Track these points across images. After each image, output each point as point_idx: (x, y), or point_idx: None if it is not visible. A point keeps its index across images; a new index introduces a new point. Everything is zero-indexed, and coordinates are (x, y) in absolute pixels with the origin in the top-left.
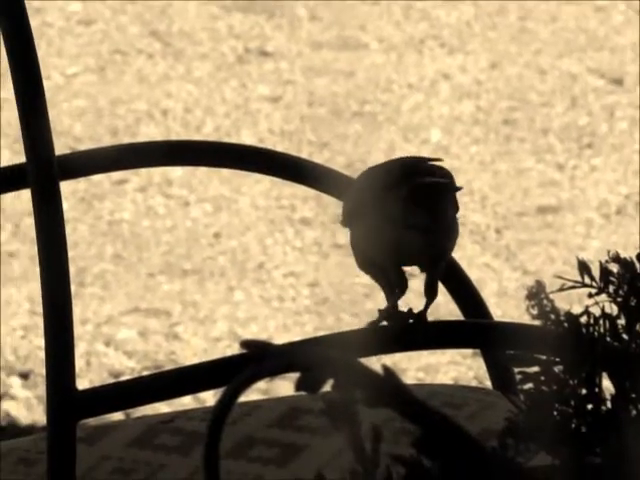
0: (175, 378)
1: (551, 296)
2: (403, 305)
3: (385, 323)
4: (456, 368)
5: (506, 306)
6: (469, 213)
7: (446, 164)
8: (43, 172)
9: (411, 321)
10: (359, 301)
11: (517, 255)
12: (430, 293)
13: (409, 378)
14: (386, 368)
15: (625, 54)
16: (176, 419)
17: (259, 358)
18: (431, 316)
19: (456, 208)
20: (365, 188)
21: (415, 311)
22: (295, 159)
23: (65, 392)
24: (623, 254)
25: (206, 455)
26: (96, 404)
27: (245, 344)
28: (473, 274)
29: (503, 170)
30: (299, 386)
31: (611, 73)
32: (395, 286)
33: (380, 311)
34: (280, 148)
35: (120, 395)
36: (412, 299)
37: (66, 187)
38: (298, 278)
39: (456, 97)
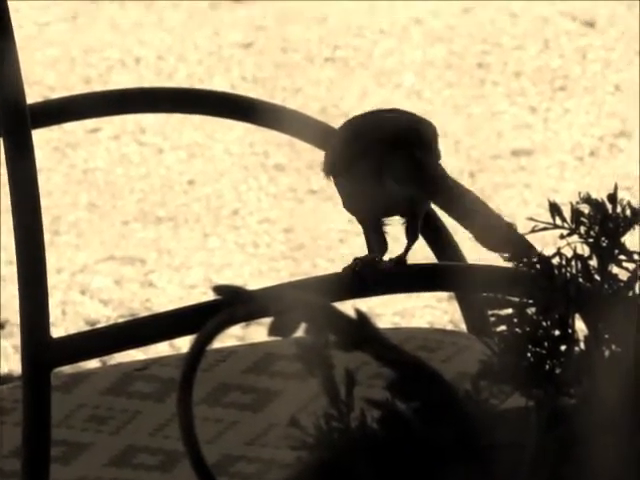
0: (149, 325)
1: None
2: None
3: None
4: (431, 312)
5: (481, 250)
6: (443, 157)
7: (419, 108)
8: (14, 120)
9: (385, 265)
10: (334, 246)
11: (492, 198)
12: (411, 237)
13: (385, 322)
14: (359, 312)
15: None
16: (151, 366)
17: (231, 303)
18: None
19: (438, 156)
20: (349, 142)
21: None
22: (269, 105)
23: (39, 340)
24: (596, 196)
25: (180, 401)
26: (70, 352)
27: (217, 290)
28: (448, 219)
29: (477, 113)
30: (272, 330)
31: (583, 15)
32: (374, 248)
33: (355, 258)
34: (253, 94)
35: (94, 342)
36: (390, 244)
37: (40, 136)
38: (273, 224)
39: (429, 42)
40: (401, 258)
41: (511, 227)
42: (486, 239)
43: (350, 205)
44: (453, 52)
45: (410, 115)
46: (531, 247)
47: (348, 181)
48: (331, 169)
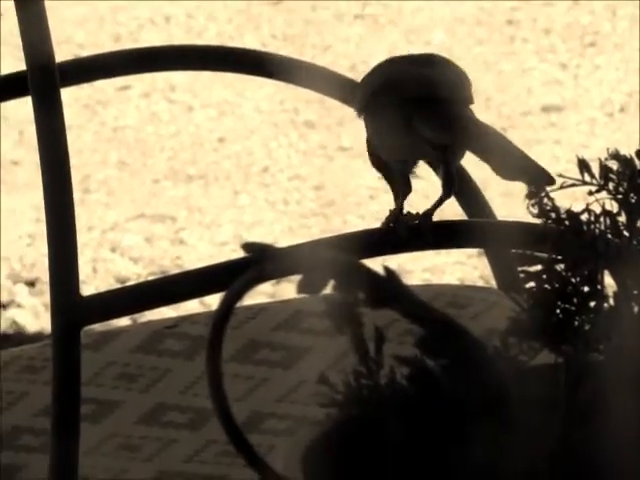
0: (179, 282)
1: (555, 195)
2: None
3: (391, 225)
4: (461, 268)
5: (512, 206)
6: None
7: None
8: (42, 78)
9: (417, 222)
10: (364, 203)
11: None
12: (445, 190)
13: (415, 279)
14: (387, 269)
15: None
16: (180, 324)
17: (260, 261)
18: (436, 217)
19: (471, 101)
20: (384, 85)
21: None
22: (297, 62)
23: (69, 298)
24: (625, 152)
25: (208, 359)
26: (100, 310)
27: (247, 247)
28: (478, 175)
29: (507, 70)
30: (300, 288)
31: None
32: (399, 189)
33: (389, 212)
34: (283, 52)
35: (123, 300)
36: (418, 201)
37: (69, 94)
38: (303, 181)
39: None
40: (427, 215)
41: (529, 159)
42: (505, 170)
43: (377, 144)
44: (482, 9)
45: (443, 64)
46: (549, 177)
47: (376, 121)
48: (362, 106)
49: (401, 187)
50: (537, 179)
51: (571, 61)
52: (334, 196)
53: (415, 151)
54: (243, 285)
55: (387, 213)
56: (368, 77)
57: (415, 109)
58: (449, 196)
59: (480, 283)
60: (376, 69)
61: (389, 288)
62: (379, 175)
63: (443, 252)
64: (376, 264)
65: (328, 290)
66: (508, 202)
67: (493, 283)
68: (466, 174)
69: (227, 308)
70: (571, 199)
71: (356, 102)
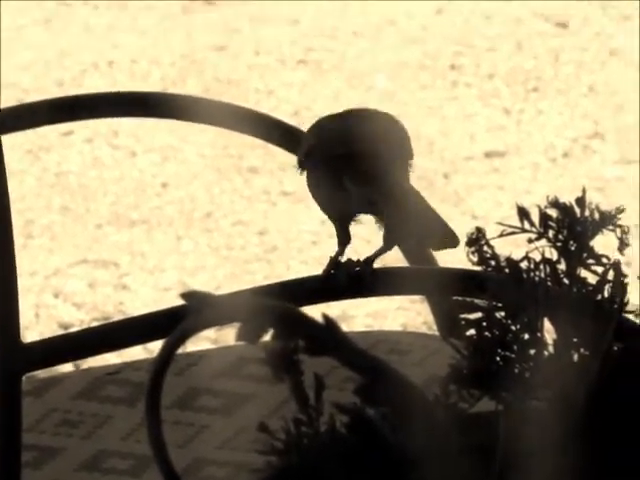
0: (121, 329)
1: (497, 242)
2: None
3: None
4: (405, 314)
5: (455, 252)
6: (417, 159)
7: (392, 110)
8: None
9: (357, 269)
10: (307, 248)
11: (465, 200)
12: (384, 241)
13: (357, 325)
14: (326, 317)
15: None
16: (122, 370)
17: (200, 309)
18: (377, 263)
19: (410, 156)
20: (317, 143)
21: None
22: (240, 109)
23: (10, 345)
24: (569, 198)
25: (148, 406)
26: (41, 357)
27: (185, 295)
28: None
29: (450, 115)
30: (239, 336)
31: (556, 16)
32: (338, 238)
33: (330, 259)
34: (226, 97)
35: (65, 347)
36: (361, 246)
37: (13, 139)
38: (246, 226)
39: (402, 43)
40: (368, 262)
41: (448, 229)
42: (428, 241)
43: (314, 198)
44: (426, 53)
45: (379, 118)
46: (456, 241)
47: (311, 177)
48: (300, 161)
49: (340, 237)
50: (444, 243)
51: (514, 106)
52: (277, 242)
53: (349, 206)
54: (182, 333)
55: (328, 259)
56: (307, 133)
57: (345, 166)
58: (389, 248)
59: (423, 329)
60: (315, 125)
61: (328, 336)
62: (322, 220)
63: (386, 298)
64: (318, 310)
65: (267, 338)
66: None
67: (436, 329)
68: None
69: (166, 355)
70: (513, 246)
71: (297, 156)
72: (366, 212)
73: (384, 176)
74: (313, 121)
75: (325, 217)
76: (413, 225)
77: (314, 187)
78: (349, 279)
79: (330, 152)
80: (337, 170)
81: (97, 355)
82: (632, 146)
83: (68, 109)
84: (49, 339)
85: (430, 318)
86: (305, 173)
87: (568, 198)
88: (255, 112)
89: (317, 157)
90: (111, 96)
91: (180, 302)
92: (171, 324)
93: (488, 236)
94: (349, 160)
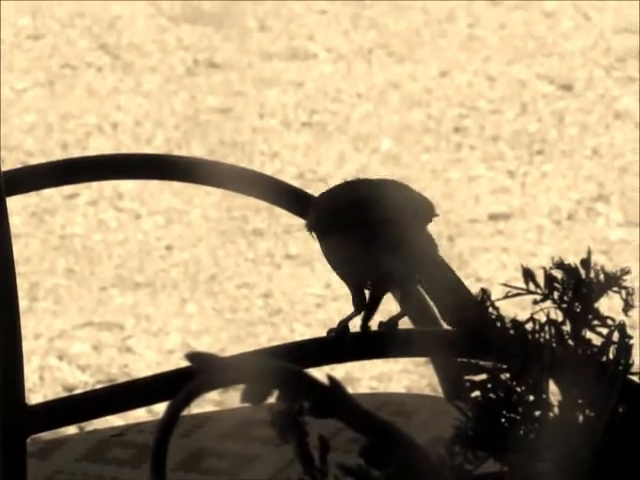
0: (125, 391)
1: (502, 303)
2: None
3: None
4: (409, 376)
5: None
6: None
7: (397, 173)
8: None
9: (360, 331)
10: (312, 311)
11: (469, 262)
12: (402, 305)
13: (362, 387)
14: (331, 378)
15: (574, 59)
16: (127, 432)
17: (205, 371)
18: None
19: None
20: (344, 206)
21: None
22: (246, 172)
23: (15, 407)
24: (574, 260)
25: (152, 469)
26: (46, 419)
27: (190, 357)
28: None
29: (454, 178)
30: (244, 398)
31: (560, 79)
32: (354, 303)
33: (340, 321)
34: (231, 159)
35: (70, 409)
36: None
37: (17, 202)
38: (251, 289)
39: (406, 106)
40: (390, 323)
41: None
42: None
43: (332, 265)
44: (430, 116)
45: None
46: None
47: (336, 243)
48: (315, 225)
49: (356, 302)
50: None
51: (519, 169)
52: (282, 304)
53: (374, 273)
54: (187, 395)
55: (335, 321)
56: (324, 198)
57: (371, 233)
58: (402, 315)
59: (427, 391)
60: (333, 190)
61: (333, 397)
62: (327, 283)
63: (391, 360)
64: (323, 372)
65: (272, 399)
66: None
67: (440, 391)
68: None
69: (171, 418)
70: (518, 307)
71: (310, 220)
72: (388, 282)
73: (414, 247)
74: (318, 183)
75: (329, 281)
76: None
77: (335, 251)
78: (354, 341)
79: (358, 220)
80: (366, 238)
81: (101, 417)
82: (636, 208)
83: (72, 171)
84: (53, 401)
85: (434, 380)
86: (317, 237)
87: (573, 260)
88: (260, 174)
89: (342, 222)
90: (119, 158)
91: (185, 364)
92: (176, 386)
93: (493, 298)
94: (380, 229)
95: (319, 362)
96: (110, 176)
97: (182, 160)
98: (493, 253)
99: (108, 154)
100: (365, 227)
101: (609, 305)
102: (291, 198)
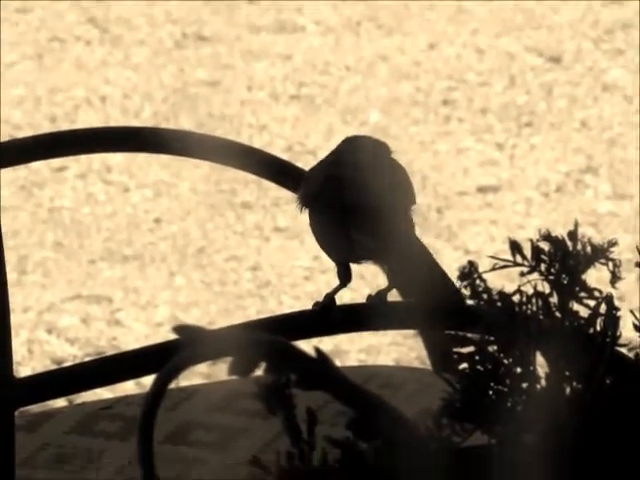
0: (113, 364)
1: (490, 275)
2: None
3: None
4: (397, 349)
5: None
6: None
7: None
8: None
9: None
10: (300, 284)
11: (458, 235)
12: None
13: (351, 360)
14: (318, 350)
15: (562, 32)
16: (115, 405)
17: (192, 343)
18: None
19: (414, 201)
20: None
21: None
22: (234, 144)
23: (2, 380)
24: (562, 232)
25: (140, 442)
26: (34, 392)
27: (177, 330)
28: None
29: (443, 150)
30: (231, 370)
31: (549, 51)
32: (339, 277)
33: (326, 294)
34: (220, 132)
35: (58, 382)
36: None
37: (6, 175)
38: (239, 262)
39: (394, 78)
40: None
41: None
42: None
43: (318, 241)
44: (419, 89)
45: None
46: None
47: (317, 222)
48: (304, 203)
49: (341, 276)
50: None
51: (507, 141)
52: (270, 277)
53: (353, 253)
54: (173, 368)
55: (323, 294)
56: (312, 175)
57: (352, 216)
58: (395, 286)
59: (416, 364)
60: (320, 165)
61: (320, 370)
62: (316, 255)
63: (379, 333)
64: (311, 344)
65: (260, 372)
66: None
67: (429, 364)
68: None
69: (158, 391)
70: (506, 280)
71: (298, 195)
72: (369, 260)
73: (390, 229)
74: (306, 156)
75: (318, 253)
76: (416, 282)
77: (318, 229)
78: (342, 314)
79: (337, 201)
80: (344, 219)
81: (90, 390)
82: (625, 181)
83: (59, 144)
84: (42, 374)
85: (423, 353)
86: (306, 212)
87: (561, 232)
88: (248, 147)
89: (323, 202)
90: (103, 131)
91: (172, 337)
92: (163, 359)
93: (481, 270)
94: (356, 211)
95: (306, 335)
96: (99, 149)
97: (169, 132)
98: (482, 225)
99: (92, 127)
100: (343, 208)
101: (597, 277)
102: (279, 171)
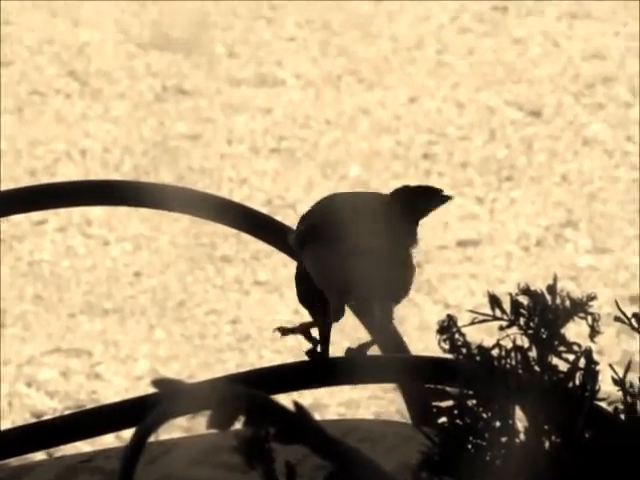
0: (92, 417)
1: (471, 329)
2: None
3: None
4: (377, 402)
5: (428, 340)
6: None
7: None
8: None
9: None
10: (280, 338)
11: (438, 289)
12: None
13: (330, 414)
14: (297, 404)
15: (543, 86)
16: (95, 458)
17: (171, 397)
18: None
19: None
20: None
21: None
22: (214, 198)
23: None
24: (542, 286)
25: None
26: (14, 444)
27: (156, 383)
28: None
29: None
30: (210, 424)
31: (529, 105)
32: (334, 314)
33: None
34: (200, 185)
35: (37, 435)
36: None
37: None
38: (219, 315)
39: (375, 132)
40: (360, 350)
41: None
42: None
43: (321, 274)
44: (399, 142)
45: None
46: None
47: (321, 254)
48: (306, 237)
49: (336, 311)
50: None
51: (487, 195)
52: (250, 330)
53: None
54: (152, 422)
55: (303, 348)
56: (313, 211)
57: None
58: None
59: (396, 417)
60: (322, 203)
61: (299, 424)
62: (295, 309)
63: (359, 387)
64: (290, 399)
65: (239, 426)
66: (424, 335)
67: (409, 417)
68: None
69: (137, 444)
70: (486, 334)
71: (297, 234)
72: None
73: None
74: (286, 209)
75: (298, 307)
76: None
77: (321, 261)
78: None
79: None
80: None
81: (69, 443)
82: (605, 235)
83: (37, 198)
84: (21, 427)
85: (403, 407)
86: (298, 253)
87: (541, 286)
88: (228, 201)
89: (329, 233)
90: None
91: (152, 390)
92: (142, 413)
93: (460, 324)
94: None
95: (286, 389)
96: (76, 203)
97: (149, 186)
98: (462, 279)
99: (75, 180)
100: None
101: (577, 331)
102: (259, 225)
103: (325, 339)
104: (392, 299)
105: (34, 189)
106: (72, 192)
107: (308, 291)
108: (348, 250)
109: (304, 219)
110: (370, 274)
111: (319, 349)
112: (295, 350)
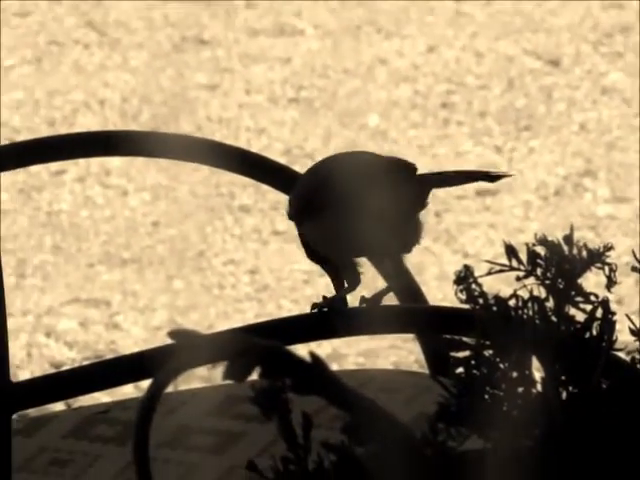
0: (110, 368)
1: (489, 279)
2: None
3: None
4: (396, 352)
5: (447, 289)
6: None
7: (384, 149)
8: None
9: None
10: (299, 287)
11: (457, 238)
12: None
13: (349, 364)
14: (313, 355)
15: (561, 35)
16: (112, 409)
17: (187, 348)
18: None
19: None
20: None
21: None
22: (232, 149)
23: (0, 384)
24: (560, 236)
25: (136, 445)
26: (31, 396)
27: (173, 334)
28: (413, 258)
29: (441, 154)
30: (226, 375)
31: (548, 54)
32: (349, 281)
33: (324, 297)
34: (218, 135)
35: (55, 386)
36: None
37: (5, 179)
38: (238, 265)
39: (393, 82)
40: (375, 299)
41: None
42: None
43: (325, 247)
44: (418, 92)
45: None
46: None
47: (325, 223)
48: (301, 213)
49: (351, 280)
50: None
51: (506, 144)
52: (268, 280)
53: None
54: (167, 374)
55: (321, 298)
56: (294, 191)
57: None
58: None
59: (415, 367)
60: (300, 181)
61: (315, 374)
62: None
63: (377, 336)
64: (308, 349)
65: (255, 376)
66: (444, 285)
67: (427, 367)
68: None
69: (153, 395)
70: (504, 284)
71: (292, 211)
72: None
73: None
74: (305, 159)
75: None
76: None
77: (334, 228)
78: (344, 317)
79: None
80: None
81: (88, 394)
82: (624, 184)
83: (56, 148)
84: (40, 378)
85: (422, 357)
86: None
87: (559, 236)
88: (246, 151)
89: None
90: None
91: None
92: (160, 363)
93: (478, 274)
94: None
95: (304, 339)
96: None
97: (168, 136)
98: (480, 229)
99: (93, 131)
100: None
101: (596, 281)
102: (277, 175)
103: (340, 289)
104: (402, 253)
105: (53, 139)
106: (90, 143)
107: (315, 252)
108: (352, 218)
109: (299, 191)
110: (378, 239)
111: (335, 301)
112: (314, 299)
